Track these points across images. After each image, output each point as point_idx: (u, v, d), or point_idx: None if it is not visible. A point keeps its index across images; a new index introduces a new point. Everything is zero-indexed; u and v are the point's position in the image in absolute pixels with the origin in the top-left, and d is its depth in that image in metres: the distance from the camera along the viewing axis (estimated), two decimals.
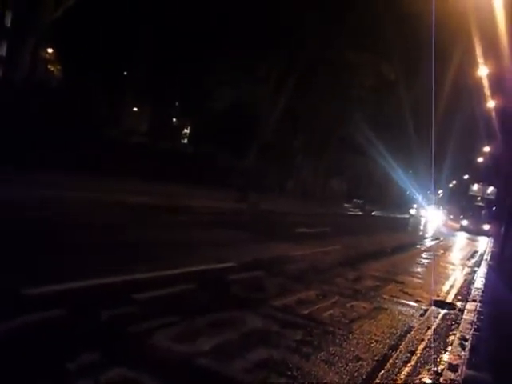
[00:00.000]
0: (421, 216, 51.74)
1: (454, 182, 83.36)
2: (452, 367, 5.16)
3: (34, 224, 8.60)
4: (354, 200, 44.80)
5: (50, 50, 30.00)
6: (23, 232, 7.79)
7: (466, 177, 72.86)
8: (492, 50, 20.64)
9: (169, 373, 3.90)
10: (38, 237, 7.69)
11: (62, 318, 4.52)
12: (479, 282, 11.90)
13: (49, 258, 6.55)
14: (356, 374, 4.61)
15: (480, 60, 23.06)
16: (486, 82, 25.43)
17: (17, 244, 6.88)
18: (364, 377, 4.58)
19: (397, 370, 4.95)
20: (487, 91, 26.91)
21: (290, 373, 4.32)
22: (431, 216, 56.94)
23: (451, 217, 67.53)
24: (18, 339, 3.96)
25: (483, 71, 24.24)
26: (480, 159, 55.69)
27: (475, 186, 64.75)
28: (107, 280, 5.97)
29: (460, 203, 68.18)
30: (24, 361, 3.63)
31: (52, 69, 31.02)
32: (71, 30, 22.68)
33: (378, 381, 4.55)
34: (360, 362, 4.92)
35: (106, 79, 24.99)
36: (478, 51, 22.74)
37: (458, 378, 4.83)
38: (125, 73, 28.65)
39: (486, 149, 46.67)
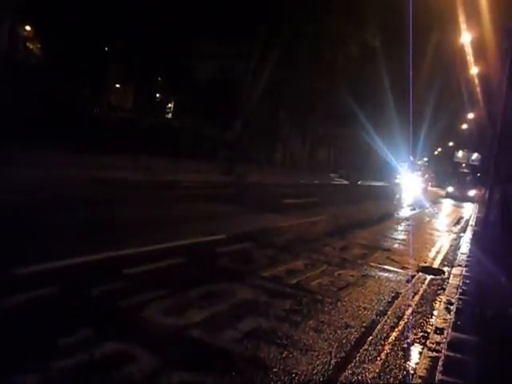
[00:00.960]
0: (405, 184, 51.43)
1: (439, 149, 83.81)
2: (438, 330, 5.28)
3: (19, 205, 8.53)
4: (340, 170, 44.97)
5: (28, 28, 29.38)
6: (7, 213, 7.74)
7: (450, 144, 73.26)
8: (475, 16, 20.57)
9: (161, 345, 3.95)
10: (24, 217, 7.66)
11: (54, 295, 4.55)
12: (465, 247, 12.08)
13: (36, 237, 6.54)
14: (345, 340, 4.70)
15: (463, 26, 23.00)
16: (468, 49, 25.42)
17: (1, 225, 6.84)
18: (352, 343, 4.67)
19: (385, 335, 5.06)
20: (470, 58, 26.91)
21: (279, 341, 4.40)
22: (415, 184, 56.59)
23: (433, 183, 68.22)
24: (11, 317, 3.99)
25: (466, 38, 24.21)
26: (464, 126, 55.95)
27: (460, 153, 65.18)
28: (97, 256, 5.99)
29: (445, 170, 68.78)
30: (18, 338, 3.66)
31: (31, 47, 30.43)
32: (48, 5, 22.23)
33: (367, 346, 4.65)
34: (348, 329, 5.01)
35: (87, 56, 24.58)
36: (461, 17, 22.67)
37: (444, 340, 4.95)
38: (106, 49, 28.18)
39: (470, 115, 46.85)
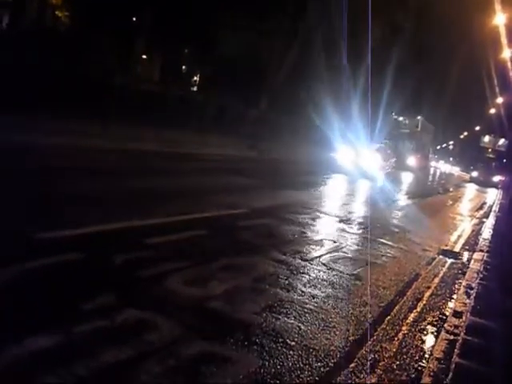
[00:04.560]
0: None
1: (466, 133, 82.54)
2: (457, 314, 5.29)
3: (45, 172, 8.62)
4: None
5: None
6: (32, 180, 7.85)
7: (477, 128, 72.09)
8: None
9: (181, 315, 3.99)
10: (47, 184, 7.75)
11: (78, 261, 4.63)
12: (487, 232, 11.97)
13: (60, 205, 6.63)
14: (362, 318, 4.73)
15: (497, 7, 22.35)
16: (502, 31, 24.71)
17: (26, 192, 6.94)
18: (370, 321, 4.69)
19: (403, 315, 5.07)
20: (503, 40, 26.17)
21: (298, 316, 4.44)
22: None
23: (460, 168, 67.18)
24: (36, 280, 4.08)
25: (499, 19, 23.53)
26: (492, 110, 54.86)
27: (486, 138, 64.17)
28: (119, 225, 6.07)
29: (470, 154, 67.72)
30: (43, 301, 3.75)
31: (60, 15, 30.47)
32: None
33: (385, 326, 4.67)
34: (367, 308, 5.03)
35: (115, 26, 24.55)
36: None
37: (462, 323, 4.95)
38: (134, 19, 28.12)
39: (499, 100, 45.91)
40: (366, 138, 22.07)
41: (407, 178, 32.20)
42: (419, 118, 49.01)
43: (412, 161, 43.06)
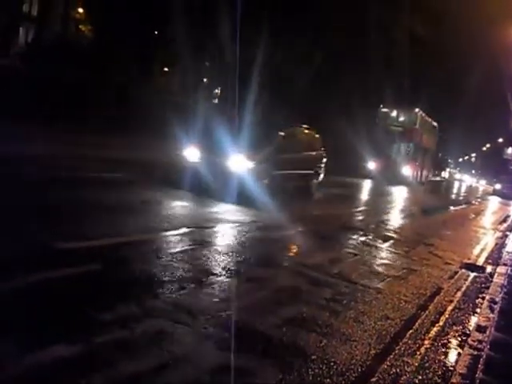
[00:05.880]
0: None
1: (488, 145, 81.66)
2: (480, 328, 5.19)
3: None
4: None
5: (80, 10, 29.98)
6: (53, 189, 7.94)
7: (500, 140, 71.24)
8: None
9: (201, 326, 4.00)
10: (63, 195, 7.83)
11: (97, 271, 4.68)
12: (511, 246, 11.78)
13: (79, 216, 6.70)
14: (384, 332, 4.67)
15: None
16: None
17: (43, 204, 7.01)
18: (392, 335, 4.64)
19: (425, 329, 5.00)
20: None
21: (319, 329, 4.41)
22: None
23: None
24: (57, 289, 4.13)
25: None
26: None
27: (510, 150, 63.30)
28: (137, 237, 6.14)
29: (493, 167, 66.92)
30: (63, 310, 3.78)
31: (83, 29, 31.04)
32: None
33: (406, 340, 4.61)
34: (388, 321, 4.98)
35: (137, 39, 24.88)
36: None
37: (486, 339, 4.86)
38: (155, 32, 28.48)
39: None
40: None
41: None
42: (417, 110, 33.18)
43: (408, 171, 32.73)
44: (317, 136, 14.48)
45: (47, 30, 24.31)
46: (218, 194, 10.04)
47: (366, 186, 25.54)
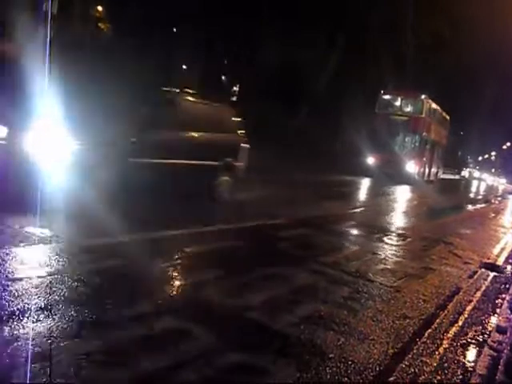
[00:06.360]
0: None
1: (508, 143, 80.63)
2: (500, 329, 5.12)
3: None
4: None
5: (99, 8, 30.14)
6: None
7: None
8: None
9: (218, 324, 4.00)
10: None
11: (119, 267, 4.73)
12: None
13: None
14: (402, 331, 4.63)
15: None
16: None
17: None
18: (410, 335, 4.60)
19: (444, 329, 4.95)
20: None
21: (337, 328, 4.38)
22: None
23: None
24: (83, 283, 4.21)
25: None
26: None
27: None
28: (161, 234, 6.17)
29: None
30: (86, 304, 3.84)
31: (102, 27, 31.20)
32: None
33: (425, 339, 4.56)
34: (407, 321, 4.94)
35: (155, 37, 24.99)
36: None
37: (507, 340, 4.79)
38: (174, 30, 28.57)
39: None
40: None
41: None
42: (423, 97, 28.58)
43: (413, 167, 28.29)
44: (230, 112, 10.52)
45: (66, 28, 24.52)
46: None
47: (365, 184, 24.33)
